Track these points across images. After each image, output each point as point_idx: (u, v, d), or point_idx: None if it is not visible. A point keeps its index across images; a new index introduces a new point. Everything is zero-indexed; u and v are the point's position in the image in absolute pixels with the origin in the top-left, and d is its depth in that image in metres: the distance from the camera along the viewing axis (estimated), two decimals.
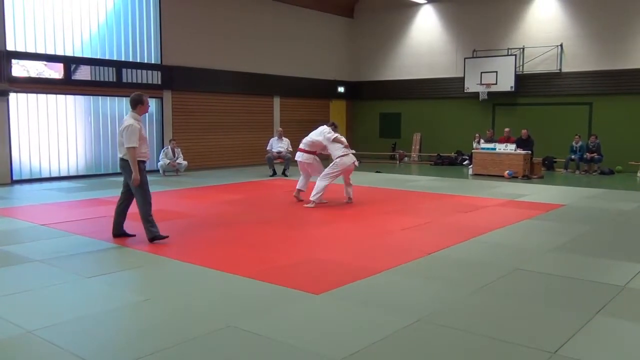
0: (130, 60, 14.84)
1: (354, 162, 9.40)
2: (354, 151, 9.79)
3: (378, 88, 20.87)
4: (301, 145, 9.95)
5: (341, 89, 21.13)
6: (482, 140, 16.21)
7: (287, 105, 19.10)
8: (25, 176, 13.06)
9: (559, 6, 17.00)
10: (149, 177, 7.04)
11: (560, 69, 16.95)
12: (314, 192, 9.35)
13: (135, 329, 4.04)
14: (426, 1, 19.51)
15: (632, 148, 15.69)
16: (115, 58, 14.56)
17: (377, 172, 15.73)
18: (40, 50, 13.17)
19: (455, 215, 8.72)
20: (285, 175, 14.19)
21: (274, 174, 14.53)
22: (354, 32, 21.40)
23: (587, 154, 15.48)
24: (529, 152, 14.73)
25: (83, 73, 14.31)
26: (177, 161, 14.78)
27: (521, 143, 14.97)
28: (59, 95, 13.57)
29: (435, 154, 19.12)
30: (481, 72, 17.89)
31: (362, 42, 21.22)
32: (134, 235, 6.87)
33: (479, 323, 4.10)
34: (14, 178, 12.77)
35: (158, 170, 14.57)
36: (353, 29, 21.40)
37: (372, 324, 4.06)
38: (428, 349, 3.68)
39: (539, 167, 14.97)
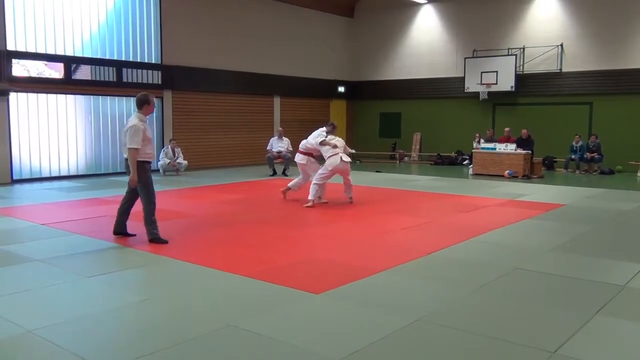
0: (131, 60, 14.84)
1: (342, 159, 9.33)
2: (346, 151, 9.75)
3: (378, 88, 20.87)
4: (300, 147, 10.16)
5: (341, 89, 21.13)
6: (482, 140, 16.21)
7: (287, 105, 19.10)
8: (26, 176, 13.06)
9: (559, 6, 17.00)
10: None
11: (560, 69, 16.95)
12: (310, 193, 9.43)
13: (135, 328, 4.04)
14: (426, 1, 19.51)
15: (632, 148, 15.69)
16: (115, 58, 14.56)
17: (377, 171, 15.73)
18: (41, 50, 13.18)
19: (455, 215, 8.72)
20: (286, 175, 14.19)
21: (274, 173, 14.54)
22: (354, 31, 21.40)
23: (587, 153, 15.48)
24: (529, 151, 14.73)
25: (83, 73, 14.31)
26: (177, 161, 14.79)
27: (521, 143, 14.97)
28: (59, 95, 13.57)
29: (436, 154, 19.11)
30: (481, 72, 17.89)
31: (362, 42, 21.22)
32: (134, 235, 6.87)
33: (478, 323, 4.10)
34: (14, 177, 12.77)
35: (158, 170, 14.56)
36: (353, 28, 21.40)
37: (371, 324, 4.06)
38: (428, 349, 3.68)
39: (539, 166, 14.97)
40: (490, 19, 18.23)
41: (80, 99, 14.05)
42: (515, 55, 17.51)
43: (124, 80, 14.66)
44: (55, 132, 13.56)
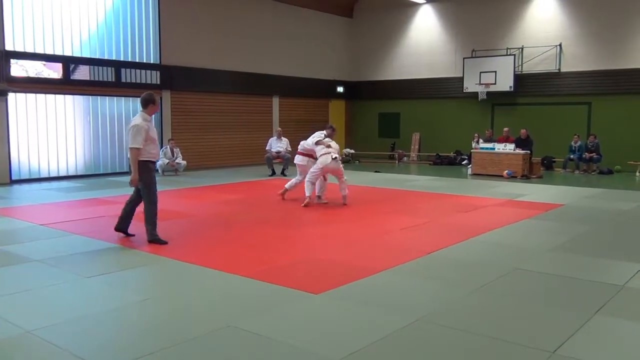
0: (129, 60, 14.83)
1: (333, 158, 9.39)
2: (336, 150, 9.81)
3: (377, 88, 20.87)
4: (299, 148, 10.31)
5: (340, 89, 21.13)
6: (481, 140, 16.22)
7: (286, 105, 19.09)
8: (24, 176, 13.05)
9: (558, 6, 17.01)
10: None
11: (559, 69, 16.96)
12: (305, 191, 9.59)
13: (135, 328, 4.04)
14: (425, 1, 19.52)
15: (631, 148, 15.70)
16: (114, 58, 14.55)
17: (376, 171, 15.74)
18: (39, 50, 13.16)
19: (454, 215, 8.72)
20: (284, 175, 14.18)
21: (273, 173, 14.53)
22: (353, 32, 21.40)
23: (586, 153, 15.50)
24: (528, 151, 14.74)
25: (82, 73, 14.29)
26: (176, 161, 14.78)
27: (520, 143, 14.97)
28: (57, 95, 13.56)
29: (434, 154, 19.12)
30: (480, 72, 17.90)
31: (362, 42, 21.23)
32: (134, 235, 6.86)
33: (478, 323, 4.10)
34: (13, 178, 12.75)
35: (157, 170, 14.51)
36: (352, 28, 21.41)
37: (371, 324, 4.06)
38: (427, 349, 3.68)
39: (538, 166, 14.97)
40: (489, 18, 18.24)
41: (78, 99, 14.04)
42: (514, 55, 17.52)
43: (123, 80, 14.65)
44: (54, 133, 13.54)
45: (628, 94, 15.88)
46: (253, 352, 3.59)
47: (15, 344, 3.71)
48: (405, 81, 20.06)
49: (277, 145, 14.89)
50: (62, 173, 13.74)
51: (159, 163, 14.51)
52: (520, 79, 17.53)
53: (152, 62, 15.29)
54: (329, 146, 9.60)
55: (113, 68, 14.51)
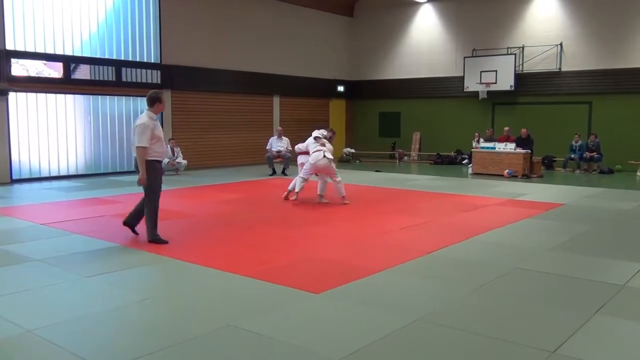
0: (130, 59, 14.83)
1: (325, 156, 9.43)
2: (329, 151, 9.83)
3: (378, 87, 20.87)
4: (299, 149, 10.37)
5: (341, 88, 21.12)
6: (481, 140, 16.22)
7: (287, 104, 19.09)
8: (25, 175, 13.05)
9: (558, 5, 17.00)
10: None
11: (559, 68, 16.95)
12: (296, 186, 9.76)
13: (135, 328, 4.04)
14: (426, 0, 19.51)
15: (632, 147, 15.69)
16: (114, 57, 14.55)
17: (376, 171, 15.75)
18: (40, 50, 13.16)
19: (454, 214, 8.72)
20: (285, 175, 14.19)
21: (274, 173, 14.54)
22: (353, 31, 21.39)
23: (587, 153, 15.49)
24: (529, 151, 14.73)
25: (82, 72, 14.30)
26: (177, 160, 14.79)
27: (521, 142, 14.97)
28: (58, 95, 13.56)
29: (435, 153, 19.11)
30: (481, 71, 17.89)
31: (362, 41, 21.22)
32: (138, 234, 6.85)
33: (478, 322, 4.10)
34: (14, 177, 12.76)
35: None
36: (353, 28, 21.40)
37: (371, 324, 4.06)
38: (427, 349, 3.68)
39: (538, 166, 14.97)
40: (489, 18, 18.23)
41: (79, 99, 14.04)
42: (515, 54, 17.51)
43: (123, 79, 14.65)
44: (55, 132, 13.55)
45: (629, 93, 15.87)
46: (253, 352, 3.60)
47: (15, 343, 3.71)
48: (406, 80, 20.05)
49: (278, 144, 14.89)
50: (63, 172, 13.75)
51: None
52: (521, 78, 17.52)
53: (152, 61, 15.30)
54: (323, 144, 9.66)
55: (114, 67, 14.52)
